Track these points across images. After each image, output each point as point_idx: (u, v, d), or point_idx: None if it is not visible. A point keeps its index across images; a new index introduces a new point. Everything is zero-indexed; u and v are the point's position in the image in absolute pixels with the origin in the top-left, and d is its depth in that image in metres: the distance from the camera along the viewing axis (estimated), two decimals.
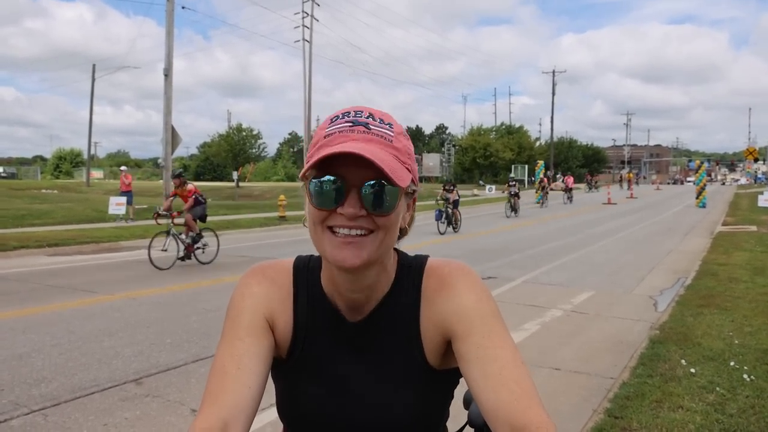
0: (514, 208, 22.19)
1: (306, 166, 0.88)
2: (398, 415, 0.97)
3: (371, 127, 0.88)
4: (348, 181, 0.86)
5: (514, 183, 22.87)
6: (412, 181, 0.92)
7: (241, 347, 0.94)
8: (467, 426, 1.14)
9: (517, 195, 22.48)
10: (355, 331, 1.00)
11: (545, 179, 31.07)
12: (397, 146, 0.89)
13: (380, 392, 0.98)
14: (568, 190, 32.90)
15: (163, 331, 5.78)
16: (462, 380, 0.98)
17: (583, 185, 48.70)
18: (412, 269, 1.01)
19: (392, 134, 0.90)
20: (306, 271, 1.04)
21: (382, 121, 0.90)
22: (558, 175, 52.31)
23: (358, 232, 0.87)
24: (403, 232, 0.98)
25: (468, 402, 1.13)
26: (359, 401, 0.99)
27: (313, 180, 0.88)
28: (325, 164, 0.86)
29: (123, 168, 20.07)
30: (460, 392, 1.07)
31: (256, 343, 0.96)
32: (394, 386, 0.98)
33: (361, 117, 0.90)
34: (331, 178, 0.86)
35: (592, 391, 4.31)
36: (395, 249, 1.02)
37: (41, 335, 5.58)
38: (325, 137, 0.89)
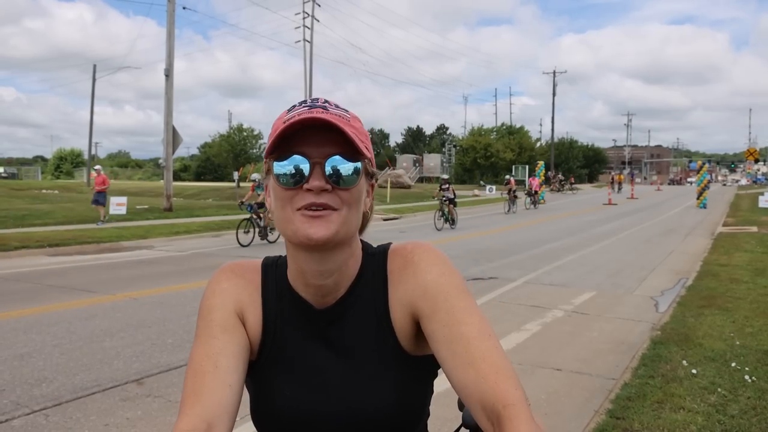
0: (447, 218, 17.51)
1: (268, 146, 0.90)
2: (376, 404, 0.96)
3: (329, 108, 0.91)
4: (311, 157, 0.88)
5: (447, 186, 18.07)
6: (370, 161, 0.95)
7: (216, 345, 0.93)
8: (462, 428, 1.13)
9: (452, 201, 17.65)
10: (325, 319, 0.99)
11: (512, 181, 25.92)
12: (354, 125, 0.92)
13: (356, 382, 0.97)
14: (533, 194, 28.10)
15: (165, 331, 5.78)
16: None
17: (558, 188, 42.72)
18: (377, 256, 1.02)
19: (348, 116, 0.93)
20: (274, 267, 1.04)
21: (337, 106, 0.94)
22: (559, 176, 52.19)
23: (325, 208, 0.89)
24: (365, 217, 0.99)
25: (462, 404, 1.11)
26: (335, 393, 0.97)
27: (277, 161, 0.90)
28: (288, 146, 0.89)
29: (97, 167, 18.33)
30: (453, 395, 1.07)
31: (231, 340, 0.95)
32: (370, 374, 0.97)
33: (318, 102, 0.93)
34: (295, 156, 0.88)
35: (594, 391, 4.30)
36: (360, 240, 1.03)
37: (42, 335, 5.58)
38: (284, 122, 0.90)
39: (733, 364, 4.52)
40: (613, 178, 46.79)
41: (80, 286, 8.05)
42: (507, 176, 27.66)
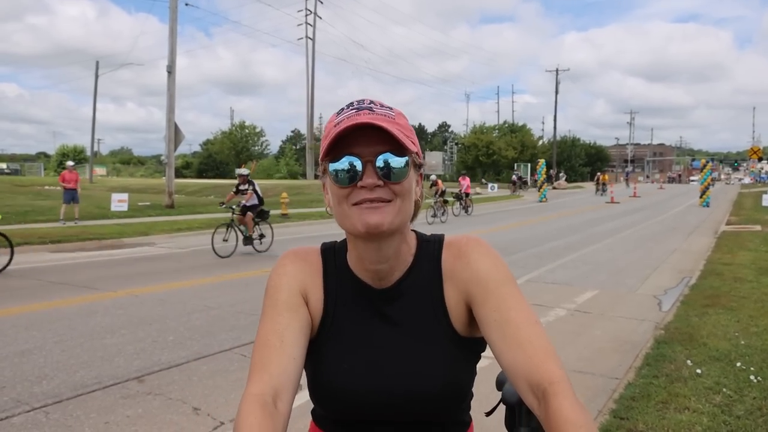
0: (244, 233, 11.40)
1: (323, 151, 1.00)
2: (428, 381, 1.03)
3: (374, 109, 1.00)
4: (363, 157, 0.97)
5: (246, 186, 11.51)
6: (417, 154, 1.03)
7: (282, 322, 1.03)
8: (500, 404, 1.22)
9: (250, 210, 11.36)
10: (383, 298, 1.08)
11: (438, 182, 20.30)
12: (399, 122, 1.01)
13: (410, 359, 1.04)
14: (463, 196, 22.47)
15: (166, 329, 5.76)
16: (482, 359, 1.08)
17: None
18: (431, 243, 1.11)
19: (393, 114, 1.02)
20: (333, 251, 1.14)
21: (382, 105, 1.03)
22: (561, 174, 52.07)
23: (379, 201, 0.98)
24: (416, 205, 1.08)
25: (501, 383, 1.22)
26: (389, 369, 1.04)
27: (332, 163, 0.99)
28: (340, 147, 0.98)
29: (69, 163, 17.37)
30: (492, 375, 1.17)
31: (295, 317, 1.05)
32: (423, 352, 1.04)
33: (364, 103, 1.02)
34: (348, 157, 0.98)
35: (597, 391, 4.27)
36: (413, 230, 1.12)
37: (43, 332, 5.57)
38: (335, 126, 0.99)
39: (738, 364, 4.49)
40: (597, 178, 40.39)
41: (81, 283, 8.04)
42: (432, 176, 22.72)
